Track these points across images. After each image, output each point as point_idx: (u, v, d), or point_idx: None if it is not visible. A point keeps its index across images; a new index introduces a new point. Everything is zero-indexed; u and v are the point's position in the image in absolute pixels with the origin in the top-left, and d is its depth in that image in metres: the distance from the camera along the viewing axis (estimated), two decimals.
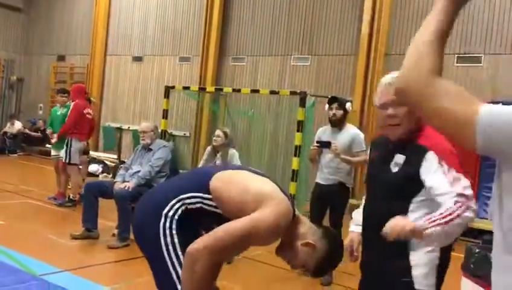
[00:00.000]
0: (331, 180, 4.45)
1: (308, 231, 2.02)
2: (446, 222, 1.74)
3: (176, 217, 1.96)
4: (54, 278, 3.93)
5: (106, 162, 10.28)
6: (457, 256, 3.82)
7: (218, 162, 5.30)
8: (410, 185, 1.96)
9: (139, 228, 2.09)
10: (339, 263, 2.07)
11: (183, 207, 1.97)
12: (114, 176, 5.65)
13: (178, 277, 1.92)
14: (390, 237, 1.71)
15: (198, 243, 1.83)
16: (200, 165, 5.59)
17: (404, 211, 1.90)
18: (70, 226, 5.52)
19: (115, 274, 4.43)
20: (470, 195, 1.80)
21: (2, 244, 4.63)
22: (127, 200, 4.94)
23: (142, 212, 2.11)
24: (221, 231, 1.86)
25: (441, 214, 1.76)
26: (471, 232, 6.06)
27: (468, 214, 1.78)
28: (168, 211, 1.96)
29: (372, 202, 2.14)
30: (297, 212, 2.05)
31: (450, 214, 1.75)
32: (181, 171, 7.26)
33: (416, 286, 1.94)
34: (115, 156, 10.52)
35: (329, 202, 4.48)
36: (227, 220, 1.97)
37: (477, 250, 3.11)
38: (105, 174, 9.80)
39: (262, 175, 2.14)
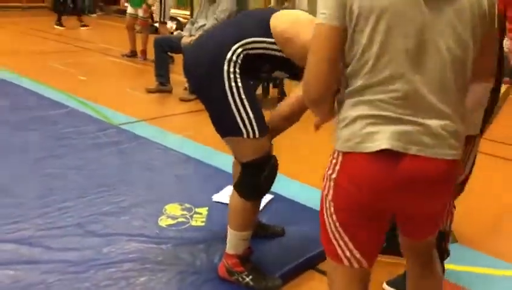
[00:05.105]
0: None
1: None
2: None
3: (239, 61, 1.95)
4: (131, 126, 4.26)
5: (179, 18, 10.30)
6: None
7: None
8: None
9: (201, 76, 2.04)
10: None
11: (244, 52, 1.95)
12: None
13: (241, 119, 1.96)
14: None
15: None
16: None
17: None
18: (145, 80, 5.80)
19: (186, 123, 4.70)
20: None
21: (84, 98, 5.02)
22: None
23: (200, 62, 2.04)
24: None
25: None
26: None
27: None
28: (231, 56, 1.95)
29: None
30: None
31: None
32: None
33: None
34: (188, 12, 10.50)
35: None
36: (289, 64, 1.96)
37: None
38: (179, 31, 9.86)
39: None
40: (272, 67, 2.04)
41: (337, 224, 1.35)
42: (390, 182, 1.26)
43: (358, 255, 1.38)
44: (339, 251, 1.39)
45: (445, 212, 1.52)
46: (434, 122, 1.25)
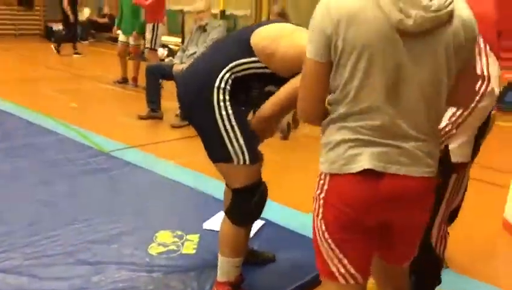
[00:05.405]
0: None
1: None
2: (469, 113, 1.73)
3: (228, 87, 1.97)
4: (122, 153, 4.25)
5: (170, 46, 10.40)
6: None
7: None
8: None
9: (191, 104, 2.07)
10: None
11: (232, 76, 1.98)
12: None
13: (232, 146, 1.98)
14: None
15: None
16: None
17: None
18: (136, 107, 5.81)
19: (177, 150, 4.70)
20: (488, 76, 1.72)
21: (76, 125, 5.02)
22: None
23: (190, 90, 2.07)
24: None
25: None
26: None
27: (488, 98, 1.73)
28: (219, 83, 1.97)
29: None
30: None
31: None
32: None
33: (453, 159, 1.92)
34: (179, 40, 10.61)
35: None
36: (277, 78, 1.99)
37: None
38: (170, 58, 9.94)
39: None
40: (261, 84, 2.06)
41: (330, 241, 1.42)
42: (375, 198, 1.36)
43: (352, 270, 1.43)
44: (334, 269, 1.44)
45: (424, 229, 1.57)
46: (410, 145, 1.35)
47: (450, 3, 1.28)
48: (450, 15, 1.29)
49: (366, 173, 1.34)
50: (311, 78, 1.40)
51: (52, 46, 10.36)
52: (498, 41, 1.85)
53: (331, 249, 1.42)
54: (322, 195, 1.41)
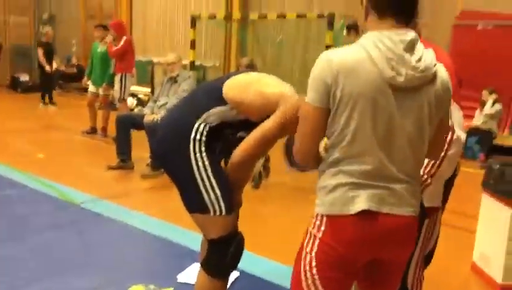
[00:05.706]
0: None
1: None
2: (440, 162, 1.84)
3: (204, 138, 2.02)
4: (92, 205, 4.18)
5: (140, 96, 10.46)
6: (479, 173, 3.86)
7: None
8: None
9: (166, 155, 2.11)
10: None
11: (207, 127, 2.03)
12: None
13: (208, 197, 2.01)
14: None
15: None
16: None
17: None
18: (106, 157, 5.77)
19: (149, 200, 4.66)
20: (452, 125, 1.84)
21: (43, 177, 4.93)
22: None
23: (165, 141, 2.11)
24: (259, 134, 2.02)
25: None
26: None
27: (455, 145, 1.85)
28: (195, 135, 2.01)
29: None
30: None
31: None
32: None
33: (425, 204, 1.98)
34: (149, 89, 10.68)
35: None
36: (249, 123, 2.05)
37: (497, 166, 3.10)
38: (140, 107, 9.97)
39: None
40: (234, 130, 2.11)
41: (316, 277, 1.52)
42: (371, 236, 1.48)
43: None
44: None
45: (405, 266, 1.67)
46: (397, 186, 1.50)
47: (434, 66, 1.49)
48: (434, 75, 1.49)
49: (362, 213, 1.46)
50: (309, 121, 1.52)
51: (40, 104, 10.16)
52: (459, 90, 1.97)
53: (315, 285, 1.52)
54: (319, 235, 1.52)
